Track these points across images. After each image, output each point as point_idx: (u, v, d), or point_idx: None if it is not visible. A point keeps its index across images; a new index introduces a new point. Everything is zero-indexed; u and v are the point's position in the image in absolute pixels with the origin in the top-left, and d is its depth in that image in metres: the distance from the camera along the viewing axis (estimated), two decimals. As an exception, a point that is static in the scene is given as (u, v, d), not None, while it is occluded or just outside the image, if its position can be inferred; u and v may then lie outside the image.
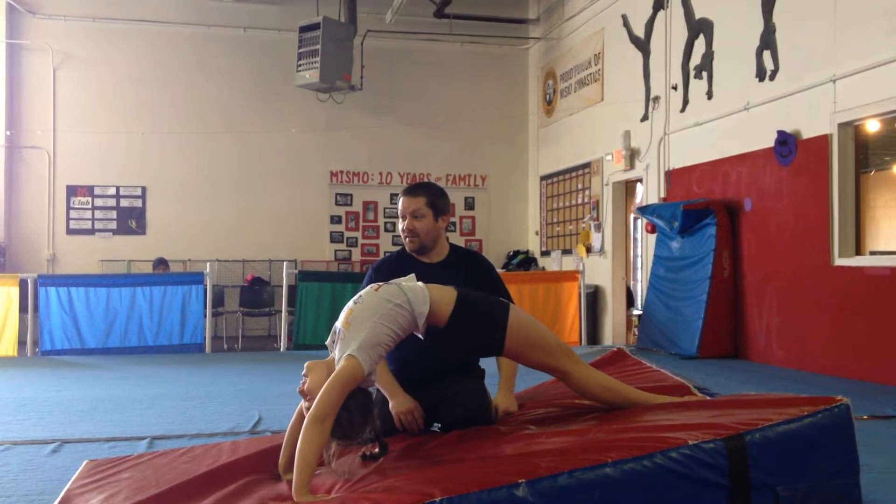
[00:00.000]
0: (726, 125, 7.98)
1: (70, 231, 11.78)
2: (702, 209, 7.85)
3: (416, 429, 3.10)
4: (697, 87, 8.50)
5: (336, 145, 12.52)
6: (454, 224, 12.94)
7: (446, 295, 2.77)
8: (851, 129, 6.54)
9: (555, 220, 12.23)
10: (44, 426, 4.49)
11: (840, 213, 6.52)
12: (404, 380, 3.18)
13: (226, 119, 12.12)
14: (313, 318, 8.37)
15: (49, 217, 11.68)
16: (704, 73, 8.36)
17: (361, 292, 2.75)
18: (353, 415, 2.53)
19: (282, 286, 9.47)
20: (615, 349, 4.15)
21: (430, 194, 3.37)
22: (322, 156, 12.52)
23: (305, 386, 2.57)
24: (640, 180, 9.74)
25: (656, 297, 8.45)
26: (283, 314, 9.10)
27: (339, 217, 12.72)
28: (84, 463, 3.29)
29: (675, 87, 8.89)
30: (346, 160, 12.65)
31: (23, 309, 8.15)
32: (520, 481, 2.08)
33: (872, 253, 6.49)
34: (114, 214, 11.94)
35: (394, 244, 12.40)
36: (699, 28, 8.46)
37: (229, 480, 2.70)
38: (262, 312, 11.65)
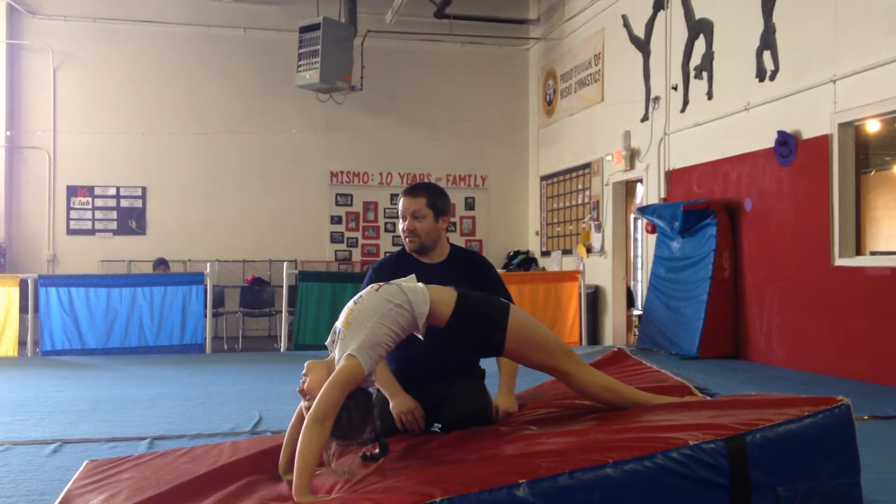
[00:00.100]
0: (726, 125, 7.98)
1: (70, 231, 11.79)
2: (702, 209, 7.85)
3: (416, 429, 3.10)
4: (697, 87, 8.50)
5: (336, 145, 12.52)
6: (454, 224, 12.94)
7: (446, 295, 2.77)
8: (852, 130, 6.54)
9: (555, 220, 12.23)
10: (44, 426, 4.49)
11: (840, 214, 6.51)
12: (405, 380, 3.18)
13: (226, 119, 12.12)
14: (313, 318, 8.37)
15: (49, 217, 11.69)
16: (704, 74, 8.36)
17: (362, 292, 2.75)
18: (353, 415, 2.53)
19: (282, 286, 9.48)
20: (615, 349, 4.15)
21: (430, 195, 3.37)
22: (322, 156, 12.52)
23: (305, 385, 2.57)
24: (641, 180, 9.74)
25: (656, 298, 8.45)
26: (284, 314, 9.10)
27: (340, 217, 12.72)
28: (84, 463, 3.29)
29: (675, 88, 8.89)
30: (346, 160, 12.65)
31: (23, 309, 8.15)
32: (520, 482, 2.08)
33: (873, 253, 6.49)
34: (114, 215, 11.94)
35: (394, 244, 12.40)
36: (699, 28, 8.46)
37: (230, 481, 2.70)
38: (263, 313, 11.65)
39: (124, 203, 11.97)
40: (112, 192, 11.93)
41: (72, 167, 11.74)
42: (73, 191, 11.79)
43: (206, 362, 7.61)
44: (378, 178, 12.78)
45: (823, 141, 6.64)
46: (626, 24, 9.94)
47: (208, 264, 8.83)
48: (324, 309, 8.34)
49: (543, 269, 12.32)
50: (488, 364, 3.30)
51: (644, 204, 9.34)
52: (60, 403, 5.24)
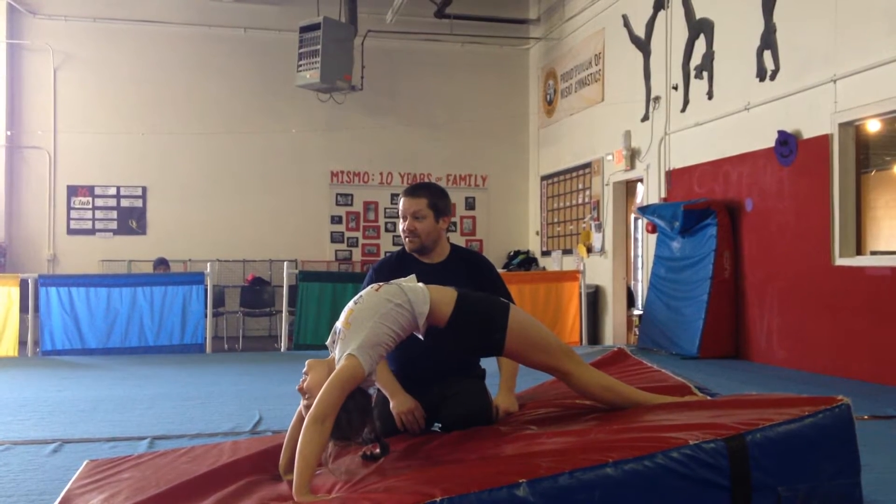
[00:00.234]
0: (727, 125, 7.98)
1: (70, 231, 11.79)
2: (702, 209, 7.85)
3: (416, 429, 3.10)
4: (698, 87, 8.50)
5: (336, 145, 12.52)
6: (455, 224, 12.94)
7: (446, 295, 2.77)
8: (852, 129, 6.54)
9: (555, 220, 12.23)
10: (44, 426, 4.49)
11: (841, 213, 6.51)
12: (405, 380, 3.18)
13: (226, 119, 12.12)
14: (314, 318, 8.37)
15: (50, 217, 11.69)
16: (705, 73, 8.35)
17: (362, 292, 2.75)
18: (352, 416, 2.53)
19: (282, 286, 9.48)
20: (616, 349, 4.15)
21: (431, 195, 3.36)
22: (322, 156, 12.52)
23: (305, 384, 2.57)
24: (641, 180, 9.74)
25: (657, 298, 8.44)
26: (284, 314, 9.10)
27: (340, 217, 12.72)
28: (84, 463, 3.29)
29: (675, 87, 8.89)
30: (346, 160, 12.65)
31: (23, 309, 8.15)
32: (520, 481, 2.08)
33: (873, 253, 6.49)
34: (114, 214, 11.94)
35: (394, 244, 12.40)
36: (700, 28, 8.45)
37: (230, 480, 2.70)
38: (263, 312, 11.65)
39: (124, 203, 11.97)
40: (112, 191, 11.94)
41: (72, 167, 11.74)
42: (73, 190, 11.79)
43: (206, 362, 7.61)
44: (378, 177, 12.78)
45: (824, 141, 6.64)
46: (627, 24, 9.94)
47: (208, 264, 8.83)
48: (324, 309, 8.34)
49: (544, 268, 12.32)
50: (488, 364, 3.29)
51: (644, 204, 9.34)
52: (60, 403, 5.24)
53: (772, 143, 7.17)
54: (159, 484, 2.74)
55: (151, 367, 7.14)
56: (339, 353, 2.57)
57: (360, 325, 2.59)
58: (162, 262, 10.65)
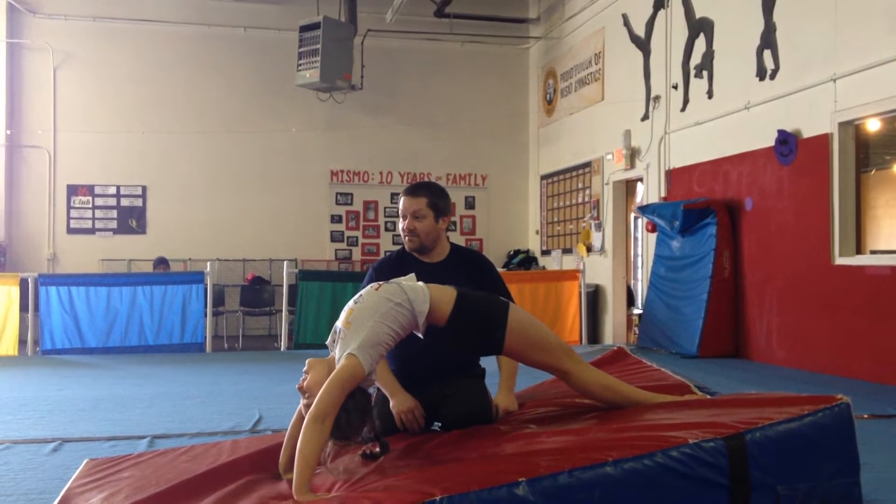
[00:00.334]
0: (727, 124, 7.98)
1: (70, 230, 11.78)
2: (702, 208, 7.85)
3: (416, 428, 3.10)
4: (698, 86, 8.50)
5: (336, 145, 12.52)
6: (454, 223, 12.93)
7: (446, 294, 2.77)
8: (852, 129, 6.54)
9: (555, 219, 12.23)
10: (44, 425, 4.49)
11: (840, 213, 6.51)
12: (405, 379, 3.18)
13: (226, 118, 12.12)
14: (314, 317, 8.37)
15: (49, 216, 11.69)
16: (705, 73, 8.35)
17: (362, 292, 2.75)
18: (352, 415, 2.53)
19: (282, 285, 9.48)
20: (616, 348, 4.15)
21: (431, 195, 3.36)
22: (322, 155, 12.52)
23: (305, 383, 2.57)
24: (641, 179, 9.74)
25: (657, 297, 8.45)
26: (284, 313, 9.10)
27: (340, 216, 12.72)
28: (84, 462, 3.29)
29: (675, 87, 8.89)
30: (346, 160, 12.65)
31: (23, 308, 8.16)
32: (520, 480, 2.08)
33: (873, 252, 6.49)
34: (114, 214, 11.94)
35: (394, 243, 12.40)
36: (700, 27, 8.45)
37: (230, 479, 2.70)
38: (263, 312, 11.64)
39: (124, 202, 11.97)
40: (112, 191, 11.94)
41: (72, 166, 11.74)
42: (73, 190, 11.79)
43: (206, 361, 7.61)
44: (378, 177, 12.78)
45: (824, 140, 6.64)
46: (627, 23, 9.94)
47: (208, 263, 8.84)
48: (324, 308, 8.34)
49: (543, 268, 12.32)
50: (488, 363, 3.30)
51: (644, 203, 9.34)
52: (60, 402, 5.24)
53: (772, 143, 7.17)
54: (159, 483, 2.74)
55: (151, 366, 7.14)
56: (340, 352, 2.57)
57: (361, 325, 2.59)
58: (162, 262, 10.64)
